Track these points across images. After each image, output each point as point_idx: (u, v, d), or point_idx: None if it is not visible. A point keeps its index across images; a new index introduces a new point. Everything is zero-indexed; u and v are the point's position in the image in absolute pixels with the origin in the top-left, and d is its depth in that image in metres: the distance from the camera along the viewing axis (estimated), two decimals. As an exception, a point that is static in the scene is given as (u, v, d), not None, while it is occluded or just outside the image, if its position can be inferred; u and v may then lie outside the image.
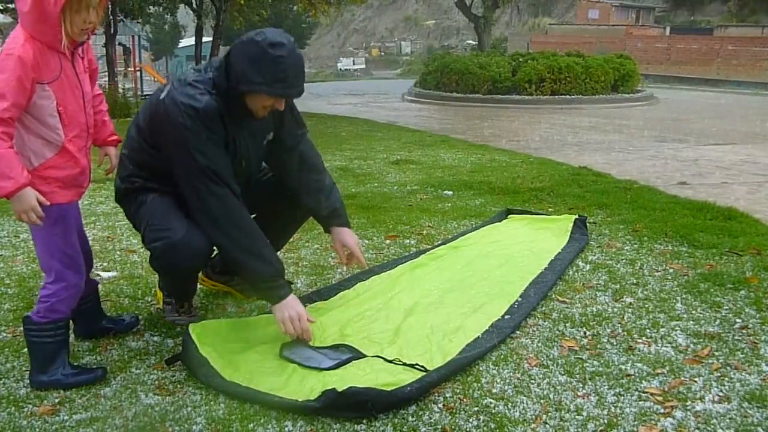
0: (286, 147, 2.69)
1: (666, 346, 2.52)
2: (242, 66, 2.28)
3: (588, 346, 2.52)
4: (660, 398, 2.14)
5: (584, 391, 2.20)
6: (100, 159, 2.47)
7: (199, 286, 2.95)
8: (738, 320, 2.75)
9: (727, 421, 2.02)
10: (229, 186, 2.36)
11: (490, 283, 3.09)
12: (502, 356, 2.44)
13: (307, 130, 2.80)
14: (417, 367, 2.26)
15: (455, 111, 13.44)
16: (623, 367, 2.35)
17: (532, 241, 3.67)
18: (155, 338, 2.61)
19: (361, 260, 2.75)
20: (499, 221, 4.16)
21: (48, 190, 2.08)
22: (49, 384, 2.20)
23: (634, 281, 3.20)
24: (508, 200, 4.95)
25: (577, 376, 2.30)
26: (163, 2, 18.56)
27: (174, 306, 2.75)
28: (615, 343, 2.54)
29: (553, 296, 3.01)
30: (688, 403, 2.12)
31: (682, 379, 2.27)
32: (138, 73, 21.78)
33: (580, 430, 1.98)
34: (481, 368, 2.35)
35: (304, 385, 2.17)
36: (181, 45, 44.83)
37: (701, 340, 2.57)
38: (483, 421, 2.02)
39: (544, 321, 2.75)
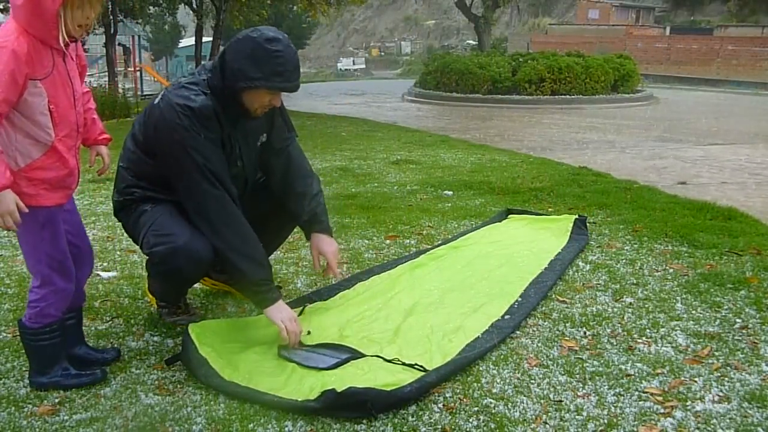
0: (274, 150, 2.68)
1: (666, 346, 2.52)
2: (240, 63, 2.29)
3: (588, 346, 2.52)
4: (660, 398, 2.14)
5: (584, 391, 2.20)
6: (92, 159, 2.41)
7: (199, 285, 2.95)
8: (738, 320, 2.75)
9: (727, 421, 2.02)
10: (225, 186, 2.36)
11: (490, 283, 3.09)
12: (502, 356, 2.44)
13: (296, 134, 2.79)
14: (416, 366, 2.26)
15: (455, 111, 13.44)
16: (623, 367, 2.35)
17: (532, 241, 3.67)
18: (155, 338, 2.61)
19: (335, 272, 2.68)
20: (499, 221, 4.16)
21: (34, 192, 2.01)
22: (49, 385, 2.19)
23: (634, 281, 3.20)
24: (508, 200, 4.95)
25: (577, 376, 2.30)
26: (163, 2, 18.57)
27: (171, 308, 2.75)
28: (615, 343, 2.54)
29: (553, 296, 3.01)
30: (688, 403, 2.12)
31: (682, 379, 2.27)
32: (138, 73, 21.79)
33: (580, 430, 1.98)
34: (481, 368, 2.35)
35: (303, 385, 2.17)
36: (181, 45, 44.80)
37: (701, 340, 2.57)
38: (483, 421, 2.02)
39: (544, 321, 2.75)
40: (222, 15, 16.22)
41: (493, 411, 2.07)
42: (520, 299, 2.88)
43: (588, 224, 4.02)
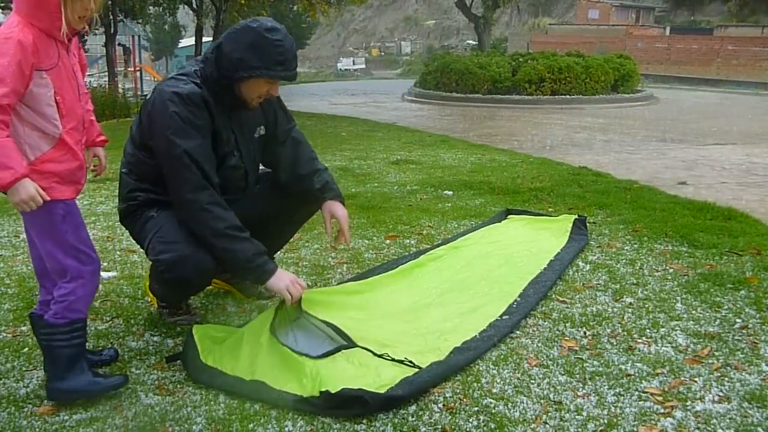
0: (279, 141, 2.74)
1: (666, 346, 2.52)
2: (239, 53, 2.32)
3: (588, 346, 2.52)
4: (660, 398, 2.14)
5: (584, 391, 2.20)
6: (89, 160, 2.40)
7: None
8: (738, 320, 2.75)
9: (727, 421, 2.02)
10: (206, 174, 2.35)
11: (489, 283, 3.08)
12: (502, 356, 2.44)
13: (295, 123, 2.86)
14: (406, 362, 2.26)
15: (455, 111, 13.44)
16: (623, 367, 2.35)
17: (531, 242, 3.67)
18: (155, 338, 2.61)
19: (347, 237, 2.71)
20: (499, 221, 4.16)
21: (46, 185, 1.97)
22: (68, 392, 2.10)
23: (634, 281, 3.20)
24: (508, 200, 4.95)
25: (577, 376, 2.30)
26: (163, 2, 18.57)
27: (172, 309, 2.75)
28: (615, 343, 2.54)
29: (553, 296, 3.01)
30: (688, 403, 2.12)
31: (682, 379, 2.27)
32: (138, 73, 21.80)
33: (580, 430, 1.98)
34: (481, 368, 2.35)
35: (301, 378, 2.16)
36: (181, 45, 44.84)
37: (701, 340, 2.57)
38: (483, 421, 2.02)
39: (544, 321, 2.75)
40: (222, 15, 16.23)
41: (493, 411, 2.07)
42: (519, 299, 2.88)
43: (588, 224, 4.02)
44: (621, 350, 2.49)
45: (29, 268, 3.37)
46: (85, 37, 2.21)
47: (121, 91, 13.51)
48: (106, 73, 15.65)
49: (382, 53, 58.86)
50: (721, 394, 2.17)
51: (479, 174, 6.04)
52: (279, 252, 3.41)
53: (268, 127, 2.69)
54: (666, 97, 16.60)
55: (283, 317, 2.43)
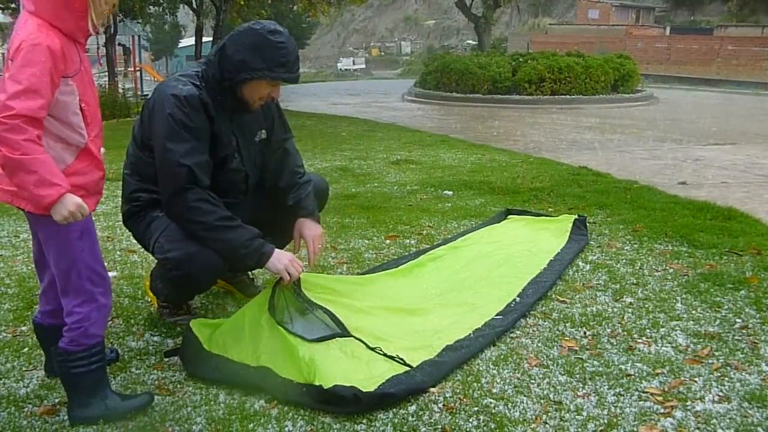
0: (271, 149, 2.74)
1: (666, 346, 2.52)
2: (242, 54, 2.33)
3: (588, 346, 2.52)
4: (660, 398, 2.14)
5: (584, 391, 2.20)
6: None
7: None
8: (738, 320, 2.75)
9: (727, 421, 2.02)
10: (195, 176, 2.35)
11: (488, 283, 3.08)
12: (502, 356, 2.44)
13: (292, 136, 2.85)
14: (397, 359, 2.27)
15: (455, 111, 13.44)
16: (623, 367, 2.35)
17: (531, 242, 3.67)
18: (155, 338, 2.61)
19: (310, 257, 2.65)
20: (499, 221, 4.16)
21: None
22: (93, 417, 1.99)
23: (634, 281, 3.20)
24: (508, 200, 4.95)
25: (577, 376, 2.30)
26: (163, 2, 18.57)
27: (172, 309, 2.75)
28: (615, 343, 2.54)
29: (553, 296, 3.01)
30: (688, 403, 2.12)
31: (682, 379, 2.27)
32: (138, 73, 21.78)
33: (580, 430, 1.98)
34: (481, 368, 2.35)
35: (298, 363, 2.17)
36: (181, 45, 44.87)
37: (701, 340, 2.57)
38: (483, 421, 2.02)
39: (544, 321, 2.75)
40: (222, 15, 16.22)
41: (493, 411, 2.07)
42: (517, 299, 2.88)
43: (588, 224, 4.02)
44: (621, 350, 2.49)
45: (29, 268, 3.38)
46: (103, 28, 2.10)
47: (121, 91, 13.51)
48: (106, 73, 15.65)
49: (382, 53, 58.88)
50: (721, 394, 2.17)
51: (479, 174, 6.04)
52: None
53: (268, 132, 2.70)
54: (666, 97, 16.59)
55: (281, 298, 2.43)
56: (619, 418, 2.04)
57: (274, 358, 2.22)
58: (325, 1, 17.10)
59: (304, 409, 2.07)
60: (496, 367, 2.35)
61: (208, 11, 19.45)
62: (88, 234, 1.94)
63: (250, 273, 3.09)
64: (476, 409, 2.09)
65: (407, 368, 2.24)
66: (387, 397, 2.08)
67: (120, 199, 2.69)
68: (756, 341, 2.55)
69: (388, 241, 3.89)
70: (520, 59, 15.88)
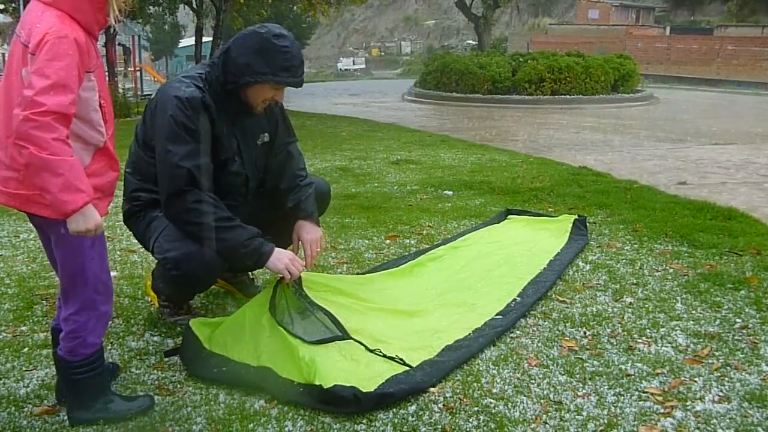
0: (273, 152, 2.74)
1: (666, 346, 2.52)
2: (247, 58, 2.33)
3: (588, 346, 2.52)
4: (660, 398, 2.14)
5: (584, 391, 2.20)
6: None
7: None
8: (738, 320, 2.75)
9: (727, 421, 2.02)
10: (194, 178, 2.35)
11: (488, 283, 3.08)
12: (502, 356, 2.44)
13: (296, 139, 2.85)
14: (396, 360, 2.27)
15: (455, 111, 13.44)
16: (623, 367, 2.35)
17: (531, 242, 3.67)
18: (155, 338, 2.61)
19: (307, 260, 2.64)
20: (499, 221, 4.16)
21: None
22: (94, 419, 1.97)
23: (634, 281, 3.20)
24: (508, 200, 4.95)
25: (577, 376, 2.30)
26: (163, 2, 18.57)
27: (173, 309, 2.75)
28: (615, 343, 2.54)
29: (553, 296, 3.01)
30: (688, 403, 2.12)
31: (682, 379, 2.27)
32: (138, 73, 21.77)
33: (580, 430, 1.98)
34: (481, 368, 2.35)
35: (298, 363, 2.17)
36: (181, 45, 44.85)
37: (701, 340, 2.57)
38: (483, 421, 2.02)
39: (544, 321, 2.75)
40: (222, 15, 16.21)
41: (493, 411, 2.07)
42: (517, 299, 2.88)
43: (588, 224, 4.02)
44: (621, 350, 2.49)
45: (29, 268, 3.38)
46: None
47: (121, 91, 13.50)
48: (107, 73, 15.62)
49: (382, 53, 58.88)
50: (721, 394, 2.17)
51: (479, 174, 6.04)
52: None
53: (271, 136, 2.70)
54: (666, 97, 16.59)
55: (282, 298, 2.43)
56: (619, 418, 2.04)
57: (275, 358, 2.23)
58: (325, 1, 17.08)
59: (304, 409, 2.07)
60: (496, 367, 2.35)
61: (208, 11, 19.43)
62: (100, 242, 1.89)
63: (250, 273, 3.09)
64: (476, 409, 2.09)
65: (407, 368, 2.24)
66: (387, 397, 2.08)
67: (120, 198, 2.69)
68: (756, 341, 2.55)
69: (388, 241, 3.89)
70: (520, 59, 15.89)
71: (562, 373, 2.32)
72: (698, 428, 1.99)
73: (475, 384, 2.24)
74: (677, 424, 2.01)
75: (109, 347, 2.50)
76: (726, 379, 2.27)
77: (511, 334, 2.61)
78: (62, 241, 1.83)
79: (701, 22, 38.92)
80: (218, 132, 2.45)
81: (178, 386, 2.23)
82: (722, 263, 3.45)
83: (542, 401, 2.13)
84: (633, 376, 2.28)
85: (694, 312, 2.83)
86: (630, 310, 2.86)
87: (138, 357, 2.44)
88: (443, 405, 2.11)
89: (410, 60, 48.95)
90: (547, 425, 2.00)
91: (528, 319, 2.76)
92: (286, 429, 1.99)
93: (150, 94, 17.74)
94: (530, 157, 7.09)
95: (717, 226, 4.11)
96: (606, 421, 2.02)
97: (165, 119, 2.35)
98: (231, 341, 2.34)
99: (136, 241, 2.73)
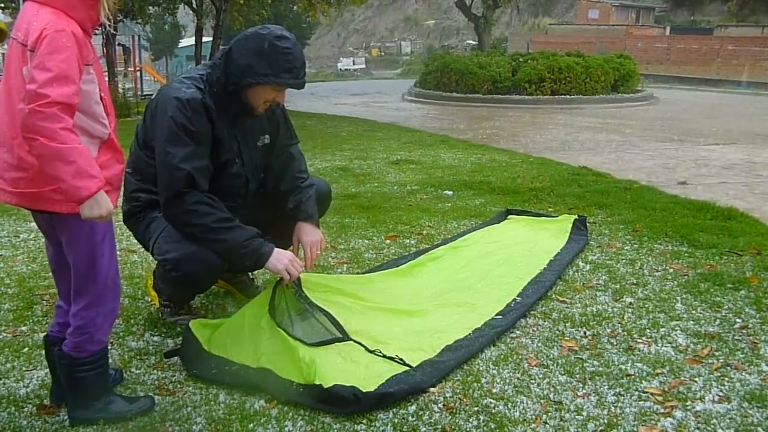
0: (275, 153, 2.74)
1: (666, 346, 2.52)
2: (248, 59, 2.33)
3: (588, 346, 2.52)
4: (660, 398, 2.14)
5: (584, 391, 2.20)
6: None
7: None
8: (738, 320, 2.75)
9: (727, 421, 2.02)
10: (193, 180, 2.35)
11: (488, 283, 3.08)
12: (502, 356, 2.44)
13: (297, 141, 2.84)
14: (396, 360, 2.27)
15: (455, 111, 13.44)
16: (623, 367, 2.35)
17: (531, 242, 3.67)
18: (155, 338, 2.61)
19: (307, 262, 2.64)
20: (499, 222, 4.16)
21: None
22: (94, 419, 1.98)
23: (634, 281, 3.20)
24: (508, 200, 4.95)
25: (577, 376, 2.30)
26: (163, 2, 18.56)
27: (173, 309, 2.75)
28: (615, 343, 2.54)
29: (553, 296, 3.01)
30: (688, 403, 2.12)
31: (682, 379, 2.27)
32: (138, 73, 21.77)
33: (580, 430, 1.98)
34: (481, 368, 2.35)
35: (298, 364, 2.17)
36: (181, 45, 44.83)
37: (701, 340, 2.57)
38: (483, 421, 2.02)
39: (544, 321, 2.75)
40: (222, 15, 16.21)
41: (493, 411, 2.07)
42: (518, 299, 2.88)
43: (588, 224, 4.02)
44: (621, 350, 2.49)
45: (29, 268, 3.38)
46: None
47: (121, 91, 13.50)
48: (107, 73, 15.63)
49: (382, 53, 58.86)
50: (721, 394, 2.17)
51: (479, 174, 6.04)
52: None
53: (272, 137, 2.70)
54: (666, 97, 16.59)
55: (282, 299, 2.43)
56: (619, 418, 2.04)
57: (275, 359, 2.23)
58: (325, 1, 17.08)
59: (304, 409, 2.07)
60: (496, 367, 2.35)
61: (208, 11, 19.42)
62: (110, 238, 1.91)
63: (250, 273, 3.09)
64: (476, 409, 2.09)
65: (407, 368, 2.24)
66: (387, 397, 2.08)
67: (120, 198, 2.69)
68: (756, 341, 2.55)
69: (388, 241, 3.89)
70: (520, 59, 15.89)
71: (562, 373, 2.32)
72: (698, 428, 1.99)
73: (475, 384, 2.24)
74: (677, 424, 2.01)
75: (109, 347, 2.49)
76: (726, 379, 2.27)
77: (511, 334, 2.61)
78: (74, 238, 1.85)
79: (701, 22, 38.92)
80: (219, 133, 2.45)
81: (178, 386, 2.23)
82: (722, 263, 3.45)
83: (542, 401, 2.13)
84: (633, 376, 2.28)
85: (694, 312, 2.83)
86: (630, 310, 2.86)
87: (138, 357, 2.44)
88: (443, 405, 2.11)
89: (410, 60, 48.93)
90: (547, 425, 2.00)
91: (528, 319, 2.76)
92: (286, 429, 1.99)
93: (150, 94, 17.75)
94: (530, 157, 7.09)
95: (717, 226, 4.11)
96: (606, 421, 2.02)
97: (165, 120, 2.35)
98: (231, 343, 2.34)
99: (136, 241, 2.73)
